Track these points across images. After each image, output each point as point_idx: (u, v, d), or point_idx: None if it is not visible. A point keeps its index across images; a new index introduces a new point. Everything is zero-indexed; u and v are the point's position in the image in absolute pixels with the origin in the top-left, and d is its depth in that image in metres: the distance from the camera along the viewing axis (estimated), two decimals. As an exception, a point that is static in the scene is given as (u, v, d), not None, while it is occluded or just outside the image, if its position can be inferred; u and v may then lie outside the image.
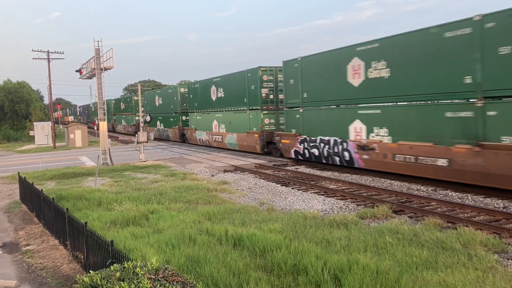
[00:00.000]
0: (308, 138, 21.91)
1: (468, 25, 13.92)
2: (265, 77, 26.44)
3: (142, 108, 52.29)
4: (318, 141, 21.18)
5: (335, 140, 20.05)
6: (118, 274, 5.16)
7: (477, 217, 11.42)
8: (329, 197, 14.71)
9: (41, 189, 12.85)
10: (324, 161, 20.97)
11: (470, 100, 13.97)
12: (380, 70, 17.34)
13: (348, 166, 19.56)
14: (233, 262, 7.81)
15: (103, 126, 26.60)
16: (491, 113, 13.39)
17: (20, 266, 9.35)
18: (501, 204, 12.81)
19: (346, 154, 19.44)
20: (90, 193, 15.28)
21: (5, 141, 58.85)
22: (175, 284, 5.00)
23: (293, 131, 23.16)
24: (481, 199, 13.47)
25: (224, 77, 31.21)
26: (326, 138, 20.59)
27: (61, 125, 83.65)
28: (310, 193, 15.49)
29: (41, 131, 48.95)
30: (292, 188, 16.62)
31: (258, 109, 26.71)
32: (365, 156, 18.30)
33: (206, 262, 7.80)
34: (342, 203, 13.67)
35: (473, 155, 13.70)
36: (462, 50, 14.13)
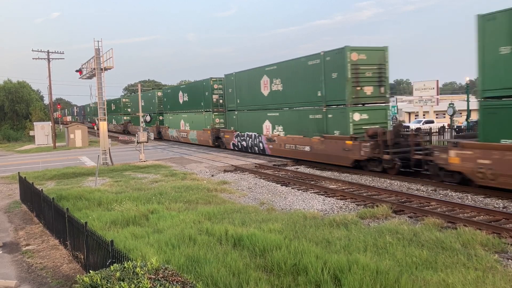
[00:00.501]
0: (240, 134, 29.27)
1: (318, 57, 21.01)
2: (215, 86, 32.92)
3: (130, 108, 53.93)
4: (245, 135, 28.55)
5: (255, 135, 27.39)
6: (118, 274, 5.17)
7: (477, 217, 11.42)
8: (329, 197, 14.71)
9: (41, 189, 12.86)
10: (249, 150, 28.26)
11: (320, 107, 21.20)
12: (278, 85, 24.66)
13: (262, 154, 26.67)
14: (233, 262, 7.81)
15: (103, 126, 26.59)
16: (329, 115, 20.71)
17: (20, 266, 9.35)
18: (501, 204, 12.82)
19: (260, 144, 26.84)
20: (90, 193, 15.28)
21: (5, 141, 58.80)
22: (175, 284, 5.01)
23: (232, 128, 30.34)
24: (481, 199, 13.47)
25: (188, 85, 39.01)
26: (250, 133, 27.94)
27: (61, 125, 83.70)
28: (310, 193, 15.49)
29: (41, 131, 48.92)
30: (292, 188, 16.62)
31: (210, 111, 33.22)
32: (270, 146, 25.63)
33: (206, 262, 7.80)
34: (342, 203, 13.67)
35: (321, 143, 21.02)
36: (316, 74, 21.29)
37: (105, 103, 27.17)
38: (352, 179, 17.93)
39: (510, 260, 8.18)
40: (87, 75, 29.07)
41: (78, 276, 5.52)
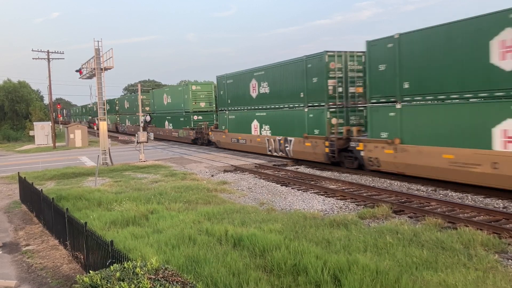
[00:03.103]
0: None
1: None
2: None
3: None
4: None
5: None
6: (118, 274, 5.16)
7: (477, 217, 11.41)
8: (329, 197, 14.70)
9: (41, 189, 12.85)
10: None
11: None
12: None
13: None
14: (233, 262, 7.81)
15: (103, 126, 26.58)
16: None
17: (20, 266, 9.34)
18: (501, 204, 12.81)
19: None
20: (90, 193, 15.27)
21: (5, 141, 58.77)
22: (175, 284, 5.00)
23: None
24: (481, 199, 13.46)
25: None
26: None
27: (61, 125, 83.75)
28: (310, 193, 15.48)
29: (41, 131, 48.90)
30: (292, 188, 16.61)
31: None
32: None
33: (206, 262, 7.80)
34: (342, 203, 13.67)
35: None
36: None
37: (105, 103, 27.16)
38: (352, 179, 17.91)
39: (510, 260, 8.17)
40: (87, 75, 29.07)
41: (78, 276, 5.51)
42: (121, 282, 4.88)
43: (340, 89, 20.74)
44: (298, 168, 21.83)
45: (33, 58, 44.15)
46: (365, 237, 9.40)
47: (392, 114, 16.79)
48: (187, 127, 38.07)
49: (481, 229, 9.89)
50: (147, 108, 51.65)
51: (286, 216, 11.62)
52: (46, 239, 11.23)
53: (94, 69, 26.44)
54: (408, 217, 11.80)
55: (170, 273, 5.29)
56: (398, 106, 16.51)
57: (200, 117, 37.53)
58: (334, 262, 7.45)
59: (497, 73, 13.01)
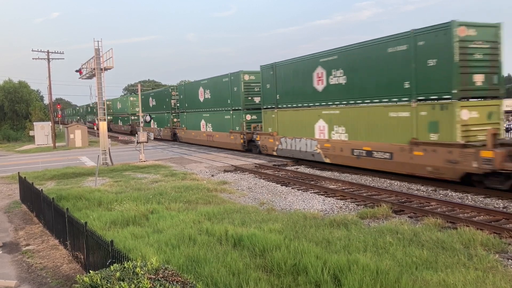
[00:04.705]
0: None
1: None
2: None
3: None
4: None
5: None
6: (118, 274, 5.16)
7: (477, 217, 11.41)
8: (329, 197, 14.70)
9: (41, 189, 12.85)
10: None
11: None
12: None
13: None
14: (233, 262, 7.81)
15: (103, 126, 26.59)
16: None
17: (20, 266, 9.35)
18: (501, 204, 12.81)
19: None
20: (90, 193, 15.27)
21: (5, 141, 58.83)
22: (175, 284, 5.00)
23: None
24: (481, 199, 13.47)
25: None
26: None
27: (61, 125, 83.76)
28: (310, 193, 15.49)
29: (41, 131, 48.89)
30: (292, 188, 16.61)
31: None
32: None
33: (206, 262, 7.80)
34: (342, 203, 13.67)
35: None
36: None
37: (105, 103, 27.17)
38: (352, 179, 17.91)
39: (510, 260, 8.17)
40: (87, 75, 29.07)
41: (78, 276, 5.51)
42: (121, 282, 4.88)
43: (178, 104, 41.59)
44: (298, 168, 21.84)
45: (33, 58, 44.16)
46: (365, 237, 9.41)
47: (184, 117, 39.39)
48: (127, 124, 62.04)
49: (481, 229, 9.90)
50: (111, 111, 70.85)
51: (286, 216, 11.62)
52: (46, 239, 11.23)
53: (94, 69, 26.45)
54: (408, 217, 11.80)
55: (170, 273, 5.30)
56: (185, 114, 38.78)
57: (136, 117, 56.80)
58: (334, 262, 7.45)
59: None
